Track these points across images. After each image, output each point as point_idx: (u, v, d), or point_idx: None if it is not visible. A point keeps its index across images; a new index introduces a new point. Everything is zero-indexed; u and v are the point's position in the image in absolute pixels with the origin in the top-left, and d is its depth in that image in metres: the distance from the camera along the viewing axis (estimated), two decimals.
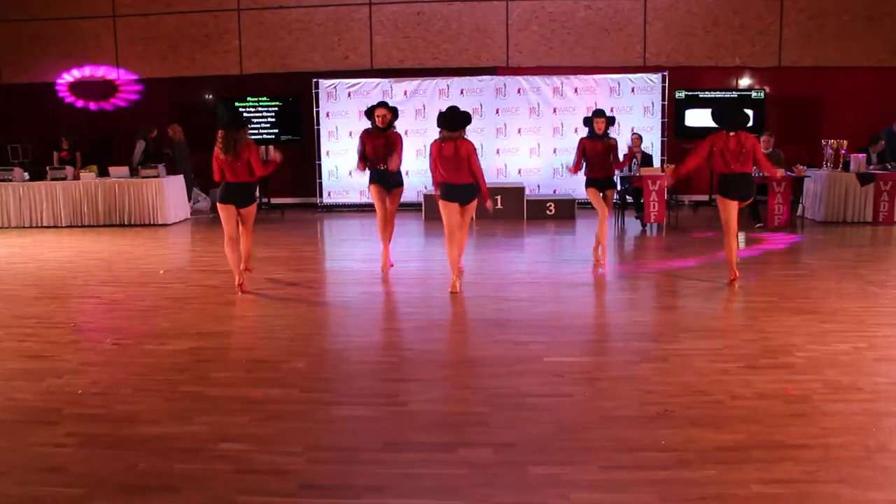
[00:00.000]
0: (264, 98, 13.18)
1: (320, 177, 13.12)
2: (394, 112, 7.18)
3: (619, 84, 12.56)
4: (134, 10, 13.38)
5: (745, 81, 13.03)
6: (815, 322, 5.35)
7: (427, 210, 11.56)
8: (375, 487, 3.02)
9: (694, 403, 3.83)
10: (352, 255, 9.00)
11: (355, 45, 13.24)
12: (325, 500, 2.94)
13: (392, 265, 7.46)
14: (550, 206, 11.61)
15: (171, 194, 11.49)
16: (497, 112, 12.68)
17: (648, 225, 10.28)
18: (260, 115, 13.13)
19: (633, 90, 12.52)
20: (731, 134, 6.44)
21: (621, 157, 7.69)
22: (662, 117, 12.56)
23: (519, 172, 12.80)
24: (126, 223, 11.25)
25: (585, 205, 12.24)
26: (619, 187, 10.02)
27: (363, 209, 12.45)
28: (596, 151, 7.32)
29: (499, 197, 11.50)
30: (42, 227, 11.23)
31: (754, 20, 12.73)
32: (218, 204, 6.49)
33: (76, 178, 11.40)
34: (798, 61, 12.78)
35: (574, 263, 8.04)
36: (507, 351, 4.79)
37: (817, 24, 12.67)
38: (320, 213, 12.95)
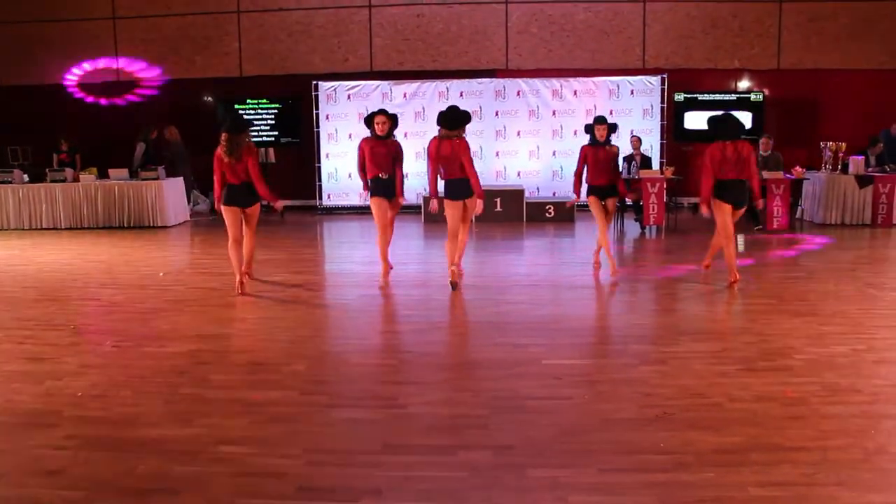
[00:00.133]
0: (264, 100, 13.21)
1: (320, 179, 13.14)
2: (393, 119, 6.96)
3: (618, 86, 12.58)
4: (134, 13, 13.40)
5: (744, 84, 13.05)
6: (813, 324, 5.35)
7: (426, 213, 11.57)
8: (374, 490, 3.02)
9: (692, 406, 3.83)
10: (351, 258, 9.00)
11: (355, 47, 13.25)
12: (324, 503, 2.95)
13: (391, 267, 7.34)
14: (550, 208, 11.63)
15: (170, 196, 11.49)
16: (496, 114, 12.70)
17: (647, 227, 10.29)
18: (260, 117, 13.15)
19: (632, 93, 12.55)
20: (728, 143, 6.50)
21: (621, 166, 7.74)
22: (661, 120, 12.58)
23: (518, 175, 12.81)
24: (125, 225, 11.26)
25: (585, 207, 12.27)
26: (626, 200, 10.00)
27: (363, 211, 12.45)
28: (598, 158, 7.25)
29: (498, 199, 11.52)
30: (42, 229, 11.23)
31: (753, 23, 12.76)
32: (223, 207, 6.56)
33: (76, 180, 11.40)
34: (797, 64, 12.81)
35: (573, 266, 8.04)
36: (506, 353, 4.79)
37: (816, 27, 12.69)
38: (320, 215, 12.96)
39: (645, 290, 6.87)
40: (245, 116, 12.62)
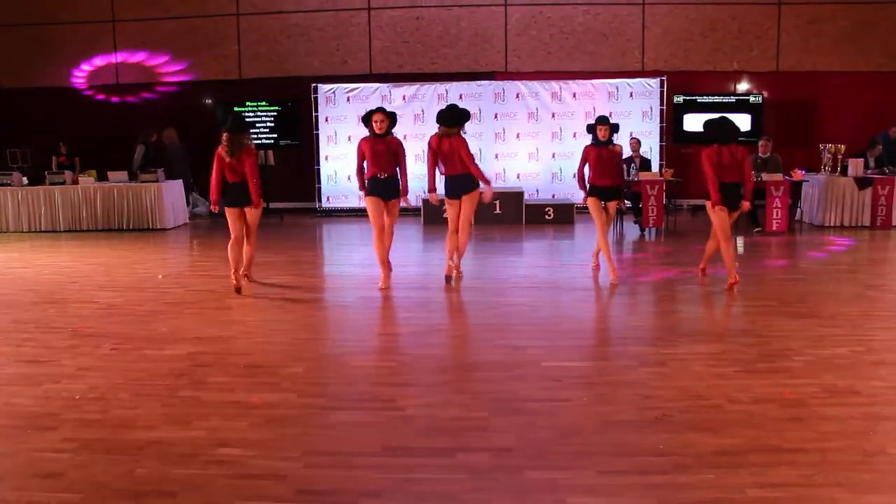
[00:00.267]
0: (263, 103, 13.21)
1: (319, 181, 13.14)
2: (391, 117, 6.79)
3: (617, 89, 12.59)
4: (133, 15, 13.41)
5: (743, 86, 13.07)
6: (812, 326, 5.35)
7: (426, 215, 11.57)
8: (373, 492, 3.02)
9: (692, 408, 3.83)
10: (350, 260, 9.00)
11: (354, 49, 13.27)
12: None
13: (391, 269, 7.31)
14: (549, 210, 11.63)
15: (169, 199, 11.50)
16: (496, 117, 12.71)
17: (647, 229, 10.29)
18: (259, 119, 13.16)
19: (631, 95, 12.56)
20: (724, 146, 6.61)
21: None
22: (661, 122, 12.59)
23: (518, 177, 12.82)
24: (125, 228, 11.26)
25: (584, 210, 12.27)
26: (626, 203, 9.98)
27: (362, 214, 12.44)
28: (601, 158, 7.18)
29: (497, 201, 11.52)
30: (41, 231, 11.23)
31: (752, 25, 12.78)
32: (226, 208, 6.71)
33: (75, 182, 11.41)
34: (796, 66, 12.83)
35: (572, 268, 8.05)
36: (505, 356, 4.79)
37: (815, 29, 12.71)
38: (319, 217, 12.96)
39: (644, 292, 6.87)
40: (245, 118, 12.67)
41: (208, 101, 13.63)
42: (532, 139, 12.80)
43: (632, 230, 10.62)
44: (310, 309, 6.37)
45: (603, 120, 7.25)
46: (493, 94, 12.75)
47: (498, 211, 11.53)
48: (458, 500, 2.96)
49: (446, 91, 12.68)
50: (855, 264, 8.07)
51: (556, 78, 12.79)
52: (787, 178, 10.29)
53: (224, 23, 13.36)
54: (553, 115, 12.71)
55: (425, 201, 11.55)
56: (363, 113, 6.97)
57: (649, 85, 12.58)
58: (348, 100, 12.85)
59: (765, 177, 10.20)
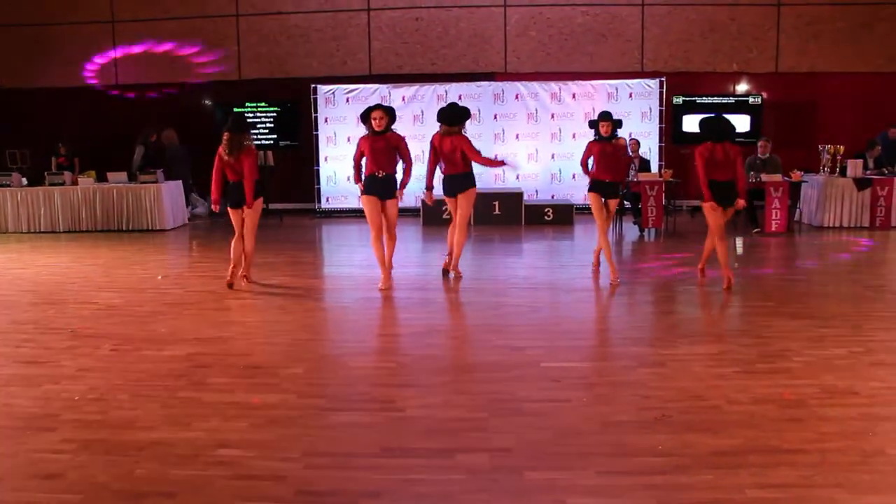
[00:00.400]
0: (263, 103, 13.22)
1: (318, 182, 13.14)
2: (390, 113, 6.71)
3: (616, 90, 12.60)
4: (132, 16, 13.41)
5: (742, 87, 13.08)
6: (812, 327, 5.36)
7: (426, 215, 11.58)
8: (373, 493, 3.02)
9: (691, 408, 3.83)
10: (350, 261, 9.00)
11: (354, 50, 13.27)
12: None
13: (391, 268, 7.28)
14: (548, 211, 11.64)
15: (169, 200, 11.49)
16: (495, 118, 12.71)
17: (646, 230, 10.30)
18: (258, 120, 13.16)
19: (630, 96, 12.56)
20: (718, 144, 6.65)
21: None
22: (660, 123, 12.60)
23: (517, 178, 12.81)
24: (124, 229, 11.26)
25: (583, 210, 12.29)
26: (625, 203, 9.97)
27: (361, 215, 12.41)
28: (604, 153, 7.10)
29: (496, 202, 11.53)
30: (40, 232, 11.23)
31: (751, 26, 12.79)
32: (228, 207, 6.89)
33: (74, 183, 11.41)
34: (795, 67, 12.84)
35: (572, 268, 8.05)
36: (504, 356, 4.79)
37: (814, 31, 12.72)
38: (318, 218, 12.96)
39: (643, 293, 6.87)
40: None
41: (207, 102, 13.62)
42: (531, 140, 12.81)
43: (631, 231, 10.63)
44: (309, 310, 6.37)
45: (605, 116, 7.19)
46: (493, 95, 12.75)
47: (497, 212, 11.53)
48: (457, 501, 2.96)
49: (446, 92, 12.68)
50: (854, 265, 8.08)
51: (556, 79, 12.79)
52: (786, 178, 10.30)
53: (223, 24, 13.36)
54: (552, 116, 12.72)
55: (424, 202, 11.57)
56: (362, 112, 6.92)
57: (648, 86, 12.59)
58: (348, 101, 12.85)
59: (764, 177, 10.21)
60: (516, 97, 12.73)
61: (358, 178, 6.91)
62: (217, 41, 13.39)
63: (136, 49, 13.51)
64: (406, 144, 6.81)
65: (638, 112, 12.54)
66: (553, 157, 12.78)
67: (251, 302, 6.58)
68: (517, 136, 12.79)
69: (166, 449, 3.43)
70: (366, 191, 6.74)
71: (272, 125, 13.29)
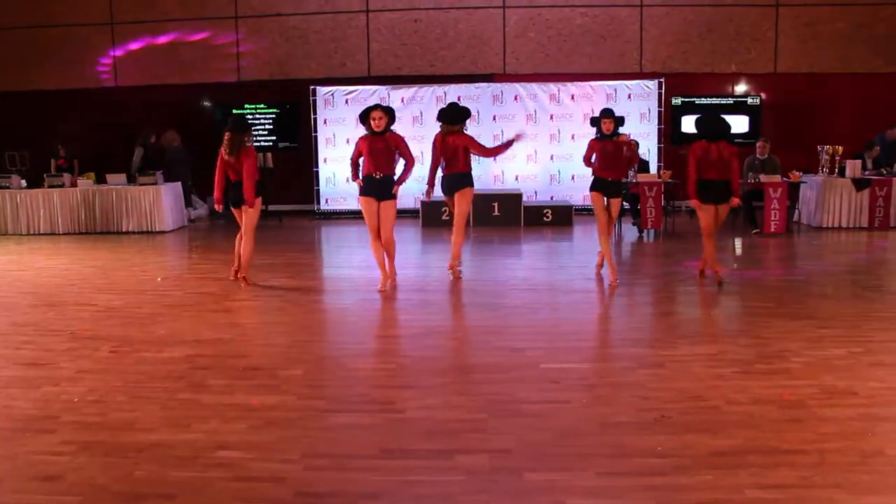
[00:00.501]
0: (262, 105, 13.23)
1: (318, 184, 13.14)
2: (389, 113, 6.64)
3: (615, 91, 12.60)
4: (131, 18, 13.41)
5: (741, 88, 13.09)
6: (811, 327, 5.36)
7: (425, 217, 11.58)
8: (372, 494, 3.02)
9: (690, 409, 3.83)
10: (349, 262, 9.00)
11: (353, 52, 13.28)
12: None
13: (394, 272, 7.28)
14: (548, 212, 11.64)
15: (168, 201, 11.49)
16: (494, 119, 12.71)
17: (645, 231, 10.30)
18: (258, 122, 13.16)
19: (629, 97, 12.57)
20: (712, 143, 6.68)
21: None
22: (659, 124, 12.61)
23: (516, 179, 12.82)
24: (123, 230, 11.26)
25: (583, 211, 12.30)
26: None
27: (361, 216, 12.42)
28: (606, 151, 6.96)
29: (496, 203, 11.53)
30: (39, 234, 11.22)
31: (750, 27, 12.80)
32: (231, 207, 7.06)
33: (73, 185, 11.41)
34: (793, 68, 12.84)
35: (571, 270, 8.05)
36: (504, 357, 4.79)
37: (812, 31, 12.73)
38: (318, 220, 12.96)
39: (643, 294, 6.88)
40: None
41: (207, 104, 13.63)
42: (530, 141, 12.76)
43: (630, 231, 10.63)
44: (309, 311, 6.37)
45: (607, 113, 7.06)
46: (492, 97, 12.75)
47: (496, 213, 11.53)
48: (456, 502, 2.96)
49: (445, 93, 12.67)
50: (853, 265, 8.09)
51: (555, 80, 12.80)
52: (785, 179, 10.31)
53: (223, 25, 13.35)
54: (551, 117, 12.72)
55: (423, 203, 11.58)
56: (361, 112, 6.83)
57: (647, 87, 12.60)
58: (347, 102, 12.85)
59: (763, 178, 10.22)
60: (515, 98, 12.73)
61: (356, 176, 6.85)
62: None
63: (136, 51, 13.50)
64: (406, 143, 6.76)
65: (637, 113, 12.53)
66: (552, 158, 12.77)
67: (250, 303, 6.58)
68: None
69: (166, 451, 3.43)
70: (363, 192, 6.70)
71: (271, 127, 13.30)
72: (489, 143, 12.54)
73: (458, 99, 12.39)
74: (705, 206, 6.76)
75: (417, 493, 3.04)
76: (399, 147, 6.66)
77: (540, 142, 12.77)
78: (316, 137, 12.98)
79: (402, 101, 12.66)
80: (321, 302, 6.88)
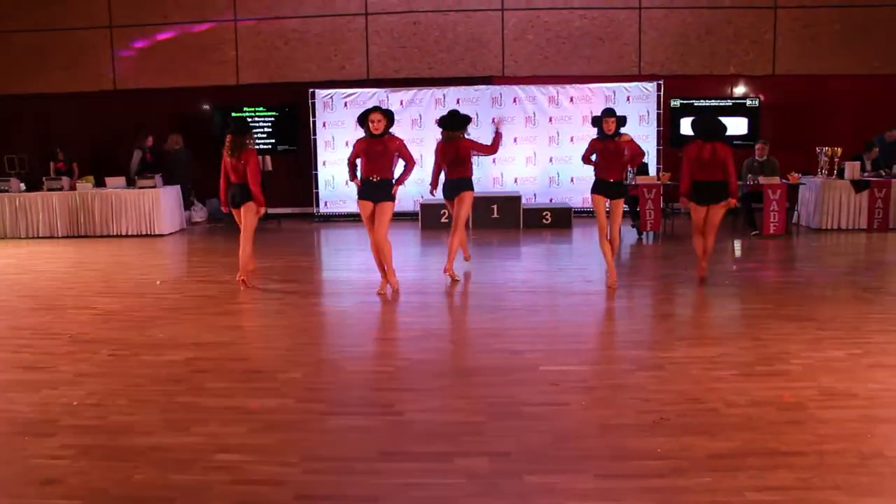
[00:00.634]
0: (261, 108, 13.24)
1: (317, 187, 13.14)
2: (389, 116, 6.57)
3: (614, 93, 12.61)
4: (130, 21, 13.42)
5: (739, 90, 13.10)
6: (810, 329, 5.36)
7: (424, 219, 11.59)
8: (371, 497, 3.02)
9: (689, 411, 3.83)
10: (348, 265, 9.00)
11: (351, 55, 13.28)
12: None
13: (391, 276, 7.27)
14: (547, 214, 11.64)
15: (167, 204, 11.50)
16: (493, 121, 12.69)
17: (644, 233, 10.31)
18: (257, 124, 13.16)
19: (628, 99, 12.58)
20: (707, 144, 6.77)
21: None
22: (658, 126, 12.62)
23: (515, 181, 12.83)
24: (123, 234, 11.26)
25: (581, 213, 12.31)
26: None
27: (360, 219, 12.43)
28: (607, 151, 6.81)
29: (495, 206, 11.54)
30: (38, 237, 11.23)
31: (748, 29, 12.81)
32: (231, 208, 7.13)
33: (72, 188, 11.41)
34: (792, 69, 12.85)
35: (570, 272, 8.05)
36: (503, 360, 4.79)
37: (811, 33, 12.75)
38: (317, 222, 12.96)
39: (642, 296, 6.88)
40: None
41: (206, 107, 13.63)
42: (529, 143, 12.82)
43: (629, 234, 10.63)
44: (308, 314, 6.37)
45: (609, 112, 6.92)
46: (491, 99, 12.76)
47: (496, 215, 11.54)
48: None
49: (444, 96, 12.70)
50: (852, 267, 8.09)
51: (553, 82, 12.81)
52: (783, 181, 10.32)
53: (222, 29, 13.36)
54: (550, 120, 12.73)
55: (423, 206, 11.59)
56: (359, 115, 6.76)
57: (646, 89, 12.61)
58: (346, 105, 12.86)
59: (762, 180, 10.23)
60: (514, 101, 12.74)
61: (353, 176, 6.79)
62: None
63: (134, 54, 13.52)
64: (405, 146, 6.69)
65: (635, 115, 12.53)
66: (551, 160, 12.78)
67: (249, 306, 6.58)
68: (515, 140, 12.79)
69: (165, 454, 3.43)
70: (360, 195, 6.62)
71: (270, 130, 13.30)
72: (489, 142, 12.64)
73: (458, 101, 12.45)
74: (695, 207, 6.95)
75: (417, 496, 3.04)
76: (399, 150, 6.59)
77: (539, 144, 12.78)
78: (315, 140, 12.99)
79: (401, 103, 12.67)
80: (320, 305, 6.88)
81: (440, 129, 7.46)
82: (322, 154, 13.03)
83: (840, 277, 7.43)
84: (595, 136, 7.01)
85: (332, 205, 13.17)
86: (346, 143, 12.58)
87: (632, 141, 6.92)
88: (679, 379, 4.34)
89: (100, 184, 11.59)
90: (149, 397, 4.19)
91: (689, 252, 8.73)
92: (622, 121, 6.92)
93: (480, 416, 3.86)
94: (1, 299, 6.96)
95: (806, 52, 12.80)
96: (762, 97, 12.86)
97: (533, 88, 12.74)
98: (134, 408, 4.04)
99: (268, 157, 12.83)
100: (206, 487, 3.11)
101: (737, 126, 12.55)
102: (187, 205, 12.62)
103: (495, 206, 11.54)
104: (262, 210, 7.07)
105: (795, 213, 11.11)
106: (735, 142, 11.95)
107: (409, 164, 6.67)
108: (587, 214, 12.20)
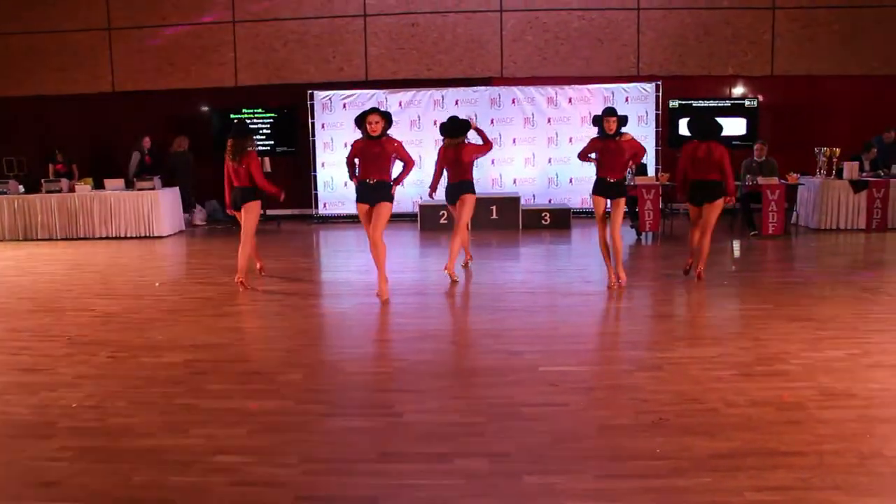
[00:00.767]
0: (259, 110, 13.24)
1: (316, 188, 13.15)
2: (387, 118, 6.47)
3: (613, 94, 12.63)
4: (129, 23, 13.43)
5: (738, 90, 13.11)
6: (809, 329, 5.36)
7: (423, 221, 11.59)
8: (371, 498, 3.02)
9: (688, 411, 3.83)
10: (347, 266, 9.00)
11: (350, 56, 13.29)
12: None
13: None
14: (546, 215, 11.65)
15: (166, 206, 11.50)
16: (492, 122, 12.72)
17: (643, 233, 10.31)
18: (255, 126, 13.16)
19: (627, 100, 12.59)
20: (702, 143, 6.90)
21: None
22: (656, 126, 12.63)
23: (514, 182, 12.84)
24: (121, 235, 11.25)
25: (580, 214, 12.32)
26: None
27: (358, 220, 12.42)
28: (607, 151, 6.74)
29: (494, 207, 11.55)
30: (37, 239, 11.22)
31: (746, 30, 12.83)
32: (234, 211, 7.26)
33: (71, 190, 11.41)
34: (790, 70, 12.87)
35: (569, 273, 8.05)
36: (502, 361, 4.79)
37: (809, 34, 12.77)
38: (316, 224, 12.96)
39: (641, 297, 6.87)
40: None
41: (205, 109, 13.63)
42: (528, 144, 12.83)
43: (628, 234, 10.63)
44: (307, 315, 6.37)
45: (610, 111, 6.80)
46: (489, 100, 12.78)
47: (495, 216, 11.55)
48: None
49: (442, 97, 12.72)
50: (850, 267, 8.09)
51: (552, 83, 12.82)
52: (782, 181, 10.32)
53: (220, 30, 13.37)
54: (549, 121, 12.75)
55: (422, 207, 11.59)
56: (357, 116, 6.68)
57: (645, 89, 12.63)
58: (344, 106, 12.87)
59: (760, 180, 10.23)
60: (513, 102, 12.76)
61: (353, 176, 6.71)
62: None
63: (133, 56, 13.51)
64: (403, 146, 6.59)
65: (634, 116, 12.54)
66: (550, 161, 12.80)
67: (248, 308, 6.58)
68: (514, 141, 12.81)
69: (164, 456, 3.42)
70: (357, 198, 6.53)
71: (269, 131, 13.30)
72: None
73: (456, 103, 12.48)
74: (692, 206, 7.14)
75: (416, 496, 3.04)
76: (397, 151, 6.49)
77: (538, 145, 12.80)
78: (314, 142, 13.00)
79: (400, 104, 12.69)
80: (319, 306, 6.88)
81: (442, 136, 7.60)
82: (321, 155, 13.04)
83: (839, 277, 7.43)
84: (595, 136, 6.94)
85: (330, 206, 13.18)
86: (345, 145, 12.56)
87: (633, 140, 6.83)
88: (678, 379, 4.34)
89: (98, 186, 11.59)
90: (148, 399, 4.19)
91: (688, 254, 8.75)
92: (623, 120, 6.82)
93: (480, 416, 3.85)
94: (0, 301, 6.95)
95: (804, 52, 12.82)
96: (760, 98, 12.88)
97: (532, 89, 12.75)
98: (133, 410, 4.03)
99: (266, 159, 12.83)
100: (206, 489, 3.11)
101: (735, 126, 12.58)
102: (188, 207, 12.62)
103: (494, 207, 11.55)
104: (282, 195, 7.32)
105: (794, 213, 11.13)
106: (733, 142, 11.99)
107: (408, 164, 6.57)
108: (586, 215, 12.21)
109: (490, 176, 12.75)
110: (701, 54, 12.93)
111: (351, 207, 12.62)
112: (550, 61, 13.10)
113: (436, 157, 7.74)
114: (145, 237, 11.21)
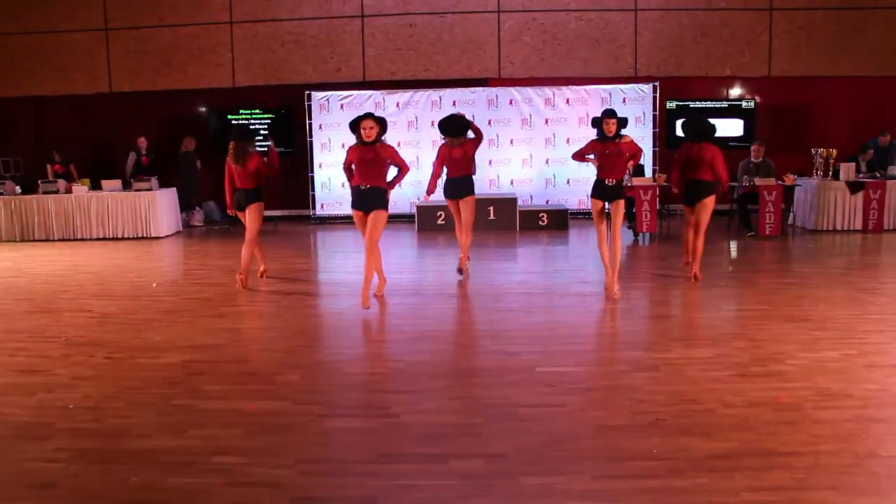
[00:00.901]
0: (257, 110, 13.23)
1: (313, 189, 13.14)
2: (381, 124, 6.35)
3: (610, 95, 12.64)
4: (126, 24, 13.41)
5: (735, 91, 13.13)
6: (805, 330, 5.37)
7: (420, 221, 11.59)
8: (368, 499, 3.02)
9: (685, 412, 3.84)
10: (345, 267, 8.99)
11: (348, 57, 13.29)
12: None
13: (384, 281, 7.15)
14: (543, 216, 11.65)
15: (163, 207, 11.49)
16: (489, 123, 12.72)
17: (640, 234, 10.32)
18: (253, 127, 13.14)
19: (624, 101, 12.60)
20: (695, 144, 7.09)
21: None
22: (654, 127, 12.64)
23: (511, 183, 12.84)
24: (119, 236, 11.24)
25: (578, 215, 12.32)
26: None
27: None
28: (607, 153, 6.59)
29: (491, 208, 11.55)
30: (34, 240, 11.20)
31: (744, 31, 12.84)
32: (237, 212, 7.37)
33: (68, 191, 11.39)
34: (788, 71, 12.89)
35: (566, 273, 8.06)
36: (499, 361, 4.80)
37: (806, 35, 12.79)
38: (313, 225, 12.96)
39: (638, 297, 6.88)
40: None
41: (202, 109, 13.62)
42: (525, 145, 12.84)
43: (626, 235, 10.64)
44: (304, 316, 6.37)
45: (610, 113, 6.60)
46: (487, 101, 12.78)
47: (492, 217, 11.55)
48: None
49: (440, 98, 12.72)
50: (847, 267, 8.11)
51: (550, 84, 12.83)
52: (779, 182, 10.34)
53: (218, 31, 13.36)
54: (546, 122, 12.76)
55: (419, 208, 11.60)
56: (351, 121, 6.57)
57: (642, 90, 12.64)
58: (342, 107, 12.87)
59: (757, 181, 10.25)
60: (510, 103, 12.76)
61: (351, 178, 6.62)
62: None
63: (130, 56, 13.50)
64: (397, 152, 6.54)
65: (632, 117, 12.51)
66: (547, 162, 12.80)
67: (246, 309, 6.58)
68: (511, 142, 12.82)
69: (161, 457, 3.42)
70: (352, 204, 6.47)
71: (266, 132, 13.29)
72: (484, 147, 12.56)
73: (454, 103, 12.48)
74: (686, 206, 7.31)
75: (413, 497, 3.04)
76: (391, 157, 6.42)
77: (535, 146, 12.80)
78: (311, 142, 13.00)
79: (398, 105, 12.69)
80: (317, 307, 6.88)
81: (443, 136, 7.53)
82: (318, 156, 13.03)
83: (835, 278, 7.44)
84: (594, 138, 6.78)
85: (328, 207, 13.17)
86: (343, 146, 12.55)
87: (632, 142, 6.72)
88: (675, 380, 4.35)
89: (96, 187, 11.57)
90: (145, 400, 4.18)
91: (682, 251, 8.76)
92: (623, 122, 6.67)
93: (477, 417, 3.86)
94: None
95: (801, 53, 12.84)
96: (758, 99, 12.90)
97: (529, 90, 12.76)
98: (130, 411, 4.03)
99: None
100: (203, 490, 3.11)
101: (732, 127, 12.60)
102: (188, 208, 12.60)
103: (492, 208, 11.55)
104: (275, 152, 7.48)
105: (791, 214, 11.15)
106: (730, 143, 12.01)
107: (403, 169, 6.51)
108: (583, 216, 12.22)
109: (487, 177, 12.74)
110: (698, 55, 12.95)
111: (348, 209, 12.54)
112: (548, 62, 13.11)
113: (435, 157, 7.69)
114: (142, 238, 11.20)
